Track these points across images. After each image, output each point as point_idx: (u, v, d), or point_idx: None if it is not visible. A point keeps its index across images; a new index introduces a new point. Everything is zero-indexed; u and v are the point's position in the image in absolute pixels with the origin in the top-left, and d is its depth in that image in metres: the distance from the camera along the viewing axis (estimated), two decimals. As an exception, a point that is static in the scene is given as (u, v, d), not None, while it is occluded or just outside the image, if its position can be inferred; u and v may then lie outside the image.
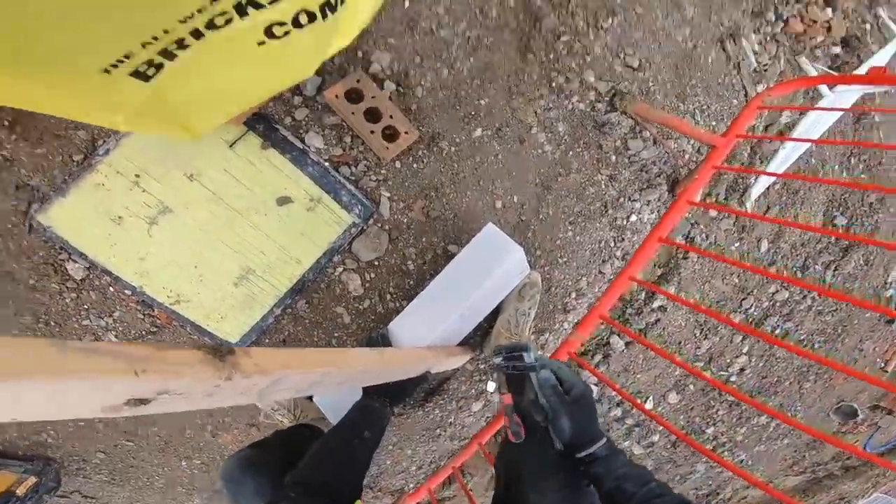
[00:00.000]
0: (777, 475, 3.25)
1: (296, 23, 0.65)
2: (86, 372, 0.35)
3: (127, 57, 0.57)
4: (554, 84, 1.39)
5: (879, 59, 1.73)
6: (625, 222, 1.54)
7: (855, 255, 2.46)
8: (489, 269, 1.14)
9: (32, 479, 1.45)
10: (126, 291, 1.25)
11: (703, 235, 1.81)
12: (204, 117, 0.85)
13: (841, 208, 2.34)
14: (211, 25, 0.57)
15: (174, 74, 0.63)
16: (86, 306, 1.29)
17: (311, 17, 0.65)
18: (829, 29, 1.89)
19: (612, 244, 1.55)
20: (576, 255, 1.48)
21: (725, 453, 2.64)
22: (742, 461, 2.79)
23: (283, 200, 1.21)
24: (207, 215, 1.17)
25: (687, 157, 1.59)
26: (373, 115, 1.23)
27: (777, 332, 2.30)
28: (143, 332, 1.32)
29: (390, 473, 1.77)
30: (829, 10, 1.94)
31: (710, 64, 1.63)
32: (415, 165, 1.33)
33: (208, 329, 1.26)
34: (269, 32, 0.64)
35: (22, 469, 1.45)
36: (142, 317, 1.30)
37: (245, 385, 0.53)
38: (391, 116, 1.24)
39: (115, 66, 0.58)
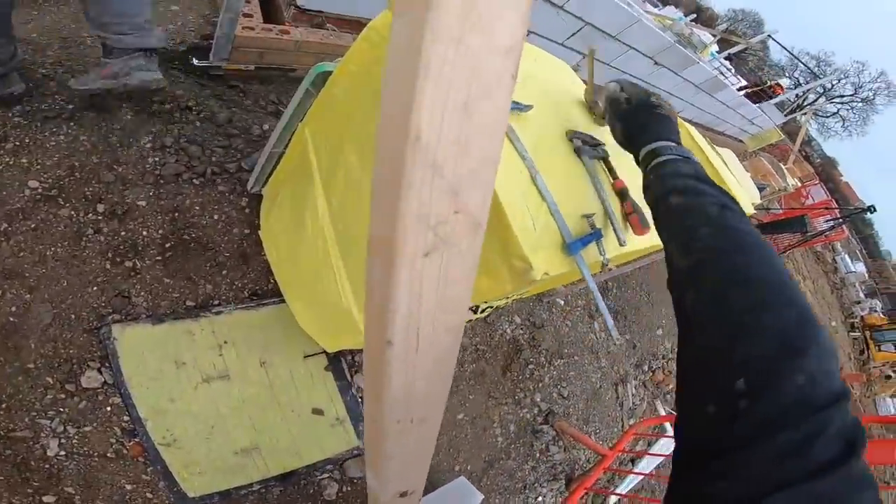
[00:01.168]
0: None
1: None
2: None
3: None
4: (516, 397, 2.08)
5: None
6: (534, 502, 2.14)
7: None
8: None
9: None
10: (125, 417, 1.30)
11: None
12: (339, 341, 1.29)
13: None
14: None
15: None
16: (62, 409, 1.27)
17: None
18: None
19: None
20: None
21: None
22: None
23: (317, 411, 1.53)
24: (255, 395, 1.43)
25: (580, 463, 2.31)
26: None
27: None
28: (97, 454, 1.28)
29: None
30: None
31: (606, 400, 2.49)
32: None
33: (175, 477, 1.32)
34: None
35: None
36: (112, 441, 1.30)
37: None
38: None
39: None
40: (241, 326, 1.47)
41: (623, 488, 2.52)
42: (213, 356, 1.44)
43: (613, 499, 2.49)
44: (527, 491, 2.04)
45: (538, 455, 2.10)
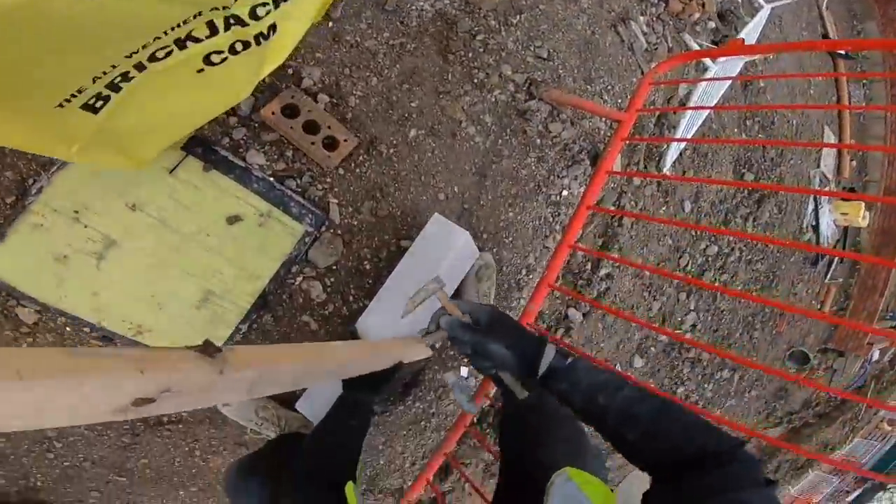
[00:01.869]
0: (756, 428, 3.39)
1: (232, 50, 0.71)
2: (97, 371, 0.38)
3: (79, 91, 0.61)
4: (476, 80, 1.51)
5: (751, 29, 2.00)
6: (558, 198, 1.69)
7: (768, 206, 2.72)
8: (440, 255, 1.23)
9: (28, 529, 1.36)
10: (84, 329, 1.22)
11: (633, 203, 2.00)
12: (149, 144, 0.88)
13: (747, 166, 2.61)
14: (153, 58, 0.62)
15: (120, 105, 0.67)
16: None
17: (246, 45, 0.71)
18: (703, 5, 2.15)
19: (551, 219, 1.69)
20: (520, 234, 1.61)
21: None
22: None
23: (233, 219, 1.24)
24: (156, 243, 1.18)
25: (602, 133, 1.78)
26: (311, 127, 1.29)
27: (716, 284, 2.46)
28: None
29: (386, 473, 1.82)
30: (700, -12, 2.21)
31: (608, 47, 1.83)
32: (357, 170, 1.40)
33: None
34: (207, 60, 0.70)
35: (22, 518, 1.36)
36: None
37: (235, 380, 0.59)
38: (329, 127, 1.31)
39: (68, 100, 0.62)
40: (75, 187, 1.14)
41: (670, 157, 2.00)
42: (80, 231, 1.15)
43: (672, 152, 1.99)
44: (543, 189, 1.60)
45: (538, 141, 1.60)
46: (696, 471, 0.54)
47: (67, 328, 1.23)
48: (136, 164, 0.89)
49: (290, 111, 1.28)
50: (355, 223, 1.40)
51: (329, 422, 0.97)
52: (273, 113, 1.25)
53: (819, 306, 3.43)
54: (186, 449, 1.48)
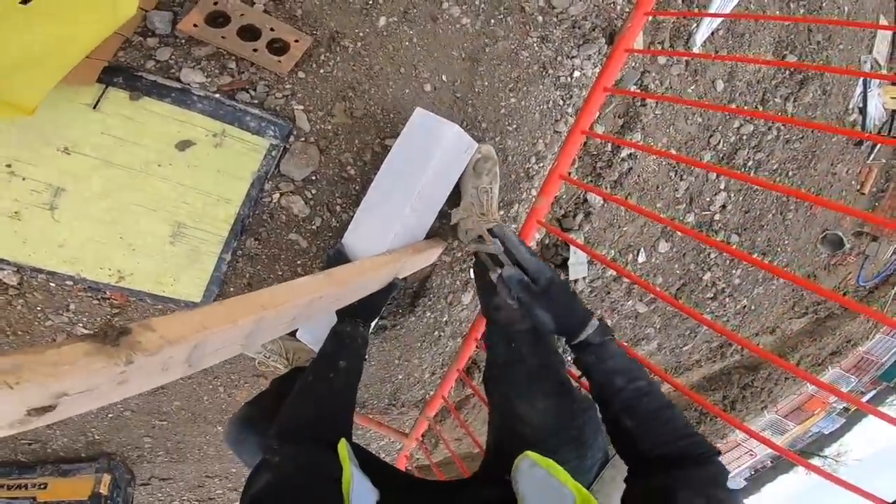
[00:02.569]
0: (782, 319, 3.36)
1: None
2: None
3: None
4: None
5: None
6: (569, 79, 1.41)
7: (812, 87, 2.35)
8: (427, 153, 1.05)
9: (107, 477, 1.49)
10: (67, 283, 1.18)
11: (657, 82, 1.70)
12: (22, 89, 0.73)
13: (789, 48, 2.19)
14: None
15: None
16: (39, 307, 1.23)
17: None
18: None
19: (562, 102, 1.42)
20: (525, 120, 1.37)
21: (727, 300, 2.68)
22: (745, 307, 2.85)
23: (184, 144, 1.08)
24: (104, 183, 1.05)
25: (619, 8, 1.42)
26: (250, 32, 1.06)
27: (749, 164, 2.25)
28: (107, 317, 1.28)
29: (407, 386, 1.85)
30: None
31: None
32: (321, 71, 1.17)
33: (165, 295, 1.21)
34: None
35: (93, 469, 1.48)
36: (97, 302, 1.24)
37: (157, 362, 0.48)
38: (272, 29, 1.07)
39: None
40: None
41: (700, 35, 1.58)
42: (19, 184, 1.03)
43: (703, 30, 1.60)
44: (550, 70, 1.34)
45: (539, 18, 1.30)
46: (675, 468, 0.60)
47: (51, 284, 1.18)
48: (22, 111, 0.76)
49: (221, 19, 1.04)
50: (329, 127, 1.21)
51: (317, 366, 0.88)
52: (195, 25, 1.01)
53: (859, 187, 3.13)
54: (210, 387, 1.52)
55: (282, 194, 1.23)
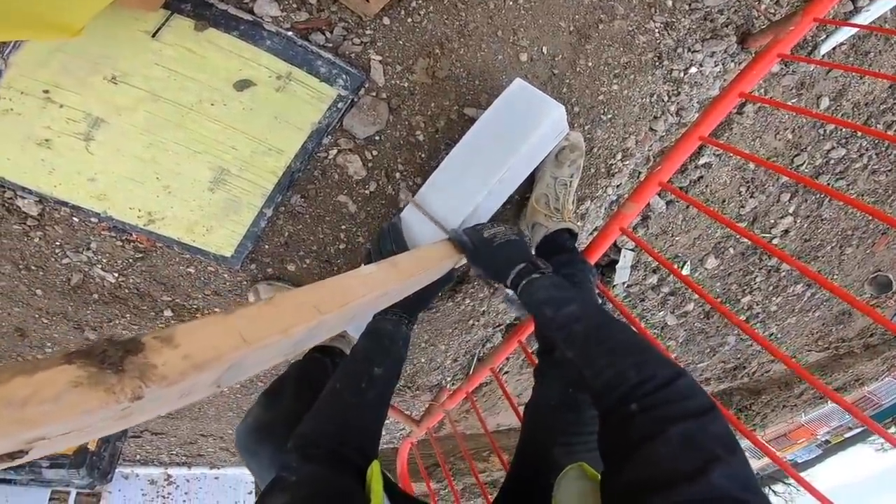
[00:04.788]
0: (801, 350, 3.28)
1: None
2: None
3: None
4: None
5: None
6: (682, 75, 1.24)
7: None
8: (524, 131, 0.92)
9: (96, 432, 1.45)
10: (91, 219, 1.05)
11: (762, 90, 1.52)
12: (68, 6, 0.59)
13: None
14: None
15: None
16: (58, 242, 1.12)
17: None
18: None
19: (666, 98, 1.25)
20: (622, 112, 1.20)
21: (757, 325, 2.61)
22: (772, 334, 2.78)
23: (243, 84, 0.92)
24: (149, 118, 0.92)
25: (763, 6, 1.21)
26: None
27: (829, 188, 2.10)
28: (129, 261, 1.16)
29: (426, 371, 1.76)
30: None
31: None
32: (409, 20, 1.00)
33: (195, 245, 1.09)
34: None
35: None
36: (120, 244, 1.12)
37: (177, 391, 0.34)
38: None
39: None
40: (38, 66, 0.87)
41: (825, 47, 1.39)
42: (55, 111, 0.90)
43: (830, 42, 1.40)
44: (665, 62, 1.17)
45: (669, 3, 1.16)
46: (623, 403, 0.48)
47: (74, 218, 1.06)
48: (70, 34, 0.63)
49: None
50: (405, 85, 1.05)
51: (350, 369, 0.75)
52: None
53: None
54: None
55: (339, 151, 1.08)
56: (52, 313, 1.28)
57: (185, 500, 1.95)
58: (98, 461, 1.54)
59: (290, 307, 0.50)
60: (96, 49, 0.83)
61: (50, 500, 1.61)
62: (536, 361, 0.92)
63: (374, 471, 0.57)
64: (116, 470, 1.66)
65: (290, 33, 0.91)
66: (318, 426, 0.66)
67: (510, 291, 0.77)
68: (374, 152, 1.10)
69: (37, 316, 1.28)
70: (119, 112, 0.89)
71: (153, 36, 0.85)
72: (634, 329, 0.62)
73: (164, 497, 1.93)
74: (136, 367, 0.31)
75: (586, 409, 0.74)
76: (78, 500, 1.69)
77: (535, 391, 0.85)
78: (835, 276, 2.63)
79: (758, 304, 2.50)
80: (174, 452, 1.93)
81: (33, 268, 1.15)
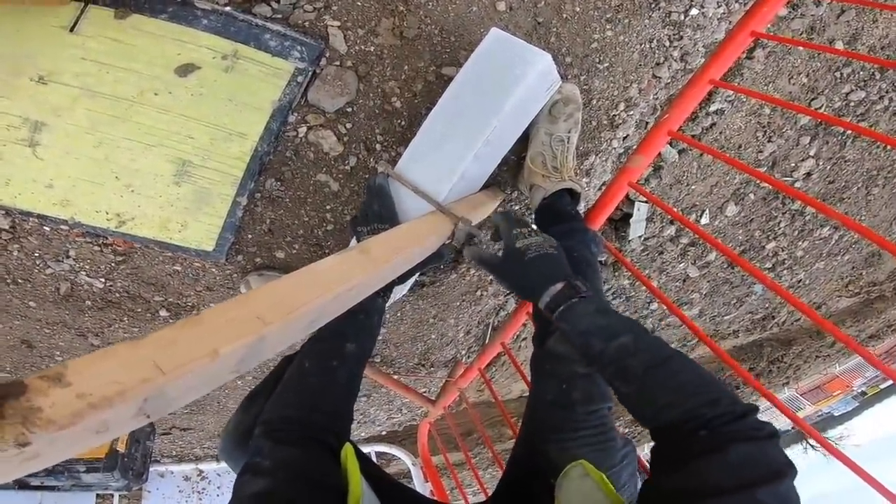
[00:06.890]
0: (831, 296, 3.15)
1: None
2: None
3: None
4: None
5: None
6: (682, 17, 1.09)
7: None
8: (507, 85, 0.82)
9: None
10: (62, 227, 1.01)
11: (771, 33, 1.34)
12: None
13: None
14: None
15: None
16: (36, 253, 1.09)
17: None
18: None
19: (668, 43, 1.12)
20: (620, 59, 1.07)
21: (785, 272, 2.49)
22: (800, 280, 2.65)
23: (186, 69, 0.84)
24: (90, 116, 0.85)
25: None
26: None
27: (847, 132, 1.94)
28: (112, 265, 1.13)
29: (438, 347, 1.72)
30: None
31: None
32: (366, -24, 0.88)
33: (173, 243, 1.04)
34: None
35: (107, 425, 1.45)
36: (98, 249, 1.09)
37: (77, 431, 0.30)
38: None
39: None
40: None
41: None
42: None
43: None
44: (662, 4, 1.08)
45: None
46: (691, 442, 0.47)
47: (45, 228, 1.02)
48: None
49: None
50: (371, 49, 0.94)
51: (320, 346, 0.70)
52: None
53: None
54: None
55: (310, 128, 1.00)
56: (51, 323, 1.28)
57: (219, 495, 2.01)
58: (130, 462, 1.56)
59: (218, 324, 0.44)
60: (9, 49, 0.76)
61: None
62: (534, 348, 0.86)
63: (349, 453, 0.56)
64: (151, 469, 1.70)
65: (227, 9, 0.81)
66: (286, 403, 0.63)
67: (477, 236, 0.75)
68: (348, 125, 1.01)
69: (38, 327, 1.29)
70: (58, 113, 0.83)
71: (71, 30, 0.78)
72: (692, 360, 0.56)
73: (199, 493, 1.99)
74: (17, 412, 0.29)
75: (579, 406, 0.71)
76: (121, 502, 1.73)
77: (532, 385, 0.81)
78: (862, 217, 2.46)
79: (783, 251, 2.37)
80: (205, 446, 1.98)
81: (20, 280, 1.14)
